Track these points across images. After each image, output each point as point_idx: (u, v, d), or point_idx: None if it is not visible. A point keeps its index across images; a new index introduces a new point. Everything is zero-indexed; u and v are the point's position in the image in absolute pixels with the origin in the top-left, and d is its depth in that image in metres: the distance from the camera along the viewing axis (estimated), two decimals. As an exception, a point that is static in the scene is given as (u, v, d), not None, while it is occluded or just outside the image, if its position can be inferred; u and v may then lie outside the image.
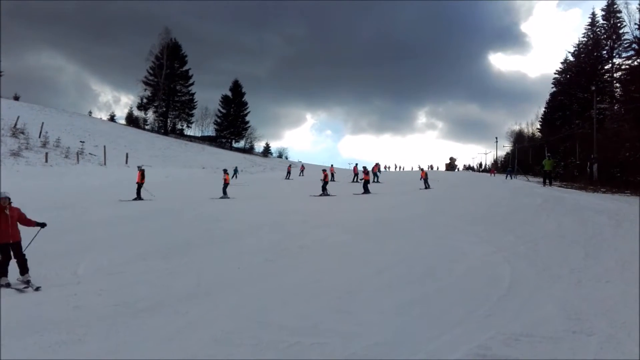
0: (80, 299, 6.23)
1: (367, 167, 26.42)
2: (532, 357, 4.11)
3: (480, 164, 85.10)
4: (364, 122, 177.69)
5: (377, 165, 36.44)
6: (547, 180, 25.73)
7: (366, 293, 6.52)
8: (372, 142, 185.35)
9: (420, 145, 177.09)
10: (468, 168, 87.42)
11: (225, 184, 22.17)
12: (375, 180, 31.59)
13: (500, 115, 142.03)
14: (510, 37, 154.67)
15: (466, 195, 20.87)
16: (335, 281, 7.20)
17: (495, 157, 73.99)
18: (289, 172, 40.26)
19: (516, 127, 74.58)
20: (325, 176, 24.48)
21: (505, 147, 72.51)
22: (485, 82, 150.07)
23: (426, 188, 25.77)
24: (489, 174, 51.84)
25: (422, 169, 31.52)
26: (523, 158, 55.46)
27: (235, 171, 37.83)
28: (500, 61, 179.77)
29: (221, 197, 20.98)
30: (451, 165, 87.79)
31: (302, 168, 46.23)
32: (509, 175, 41.47)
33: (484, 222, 12.25)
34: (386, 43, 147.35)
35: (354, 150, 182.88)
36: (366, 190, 23.49)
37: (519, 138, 68.46)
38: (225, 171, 23.80)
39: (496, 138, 72.71)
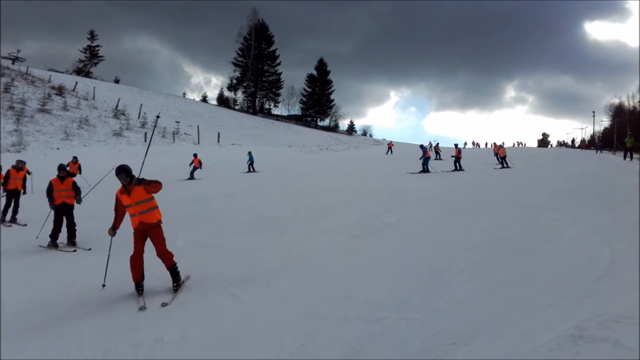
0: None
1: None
2: (633, 339, 3.91)
3: (573, 140, 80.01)
4: (449, 97, 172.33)
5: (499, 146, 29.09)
6: (627, 155, 27.81)
7: (455, 271, 6.46)
8: (458, 119, 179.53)
9: (509, 121, 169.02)
10: (562, 144, 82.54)
11: None
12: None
13: (597, 88, 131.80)
14: (607, 4, 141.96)
15: (560, 172, 19.73)
16: (423, 258, 7.20)
17: (592, 132, 69.03)
18: (389, 149, 42.65)
19: (616, 101, 69.16)
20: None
21: (603, 122, 67.36)
22: (581, 53, 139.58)
23: (502, 167, 24.68)
24: (580, 150, 50.03)
25: (495, 145, 30.03)
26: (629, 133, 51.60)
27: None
28: (597, 30, 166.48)
29: None
30: (544, 142, 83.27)
31: None
32: (598, 150, 41.18)
33: (579, 201, 11.54)
34: (472, 14, 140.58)
35: (438, 127, 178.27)
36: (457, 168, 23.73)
37: (618, 112, 63.42)
38: None
39: (593, 112, 67.11)
